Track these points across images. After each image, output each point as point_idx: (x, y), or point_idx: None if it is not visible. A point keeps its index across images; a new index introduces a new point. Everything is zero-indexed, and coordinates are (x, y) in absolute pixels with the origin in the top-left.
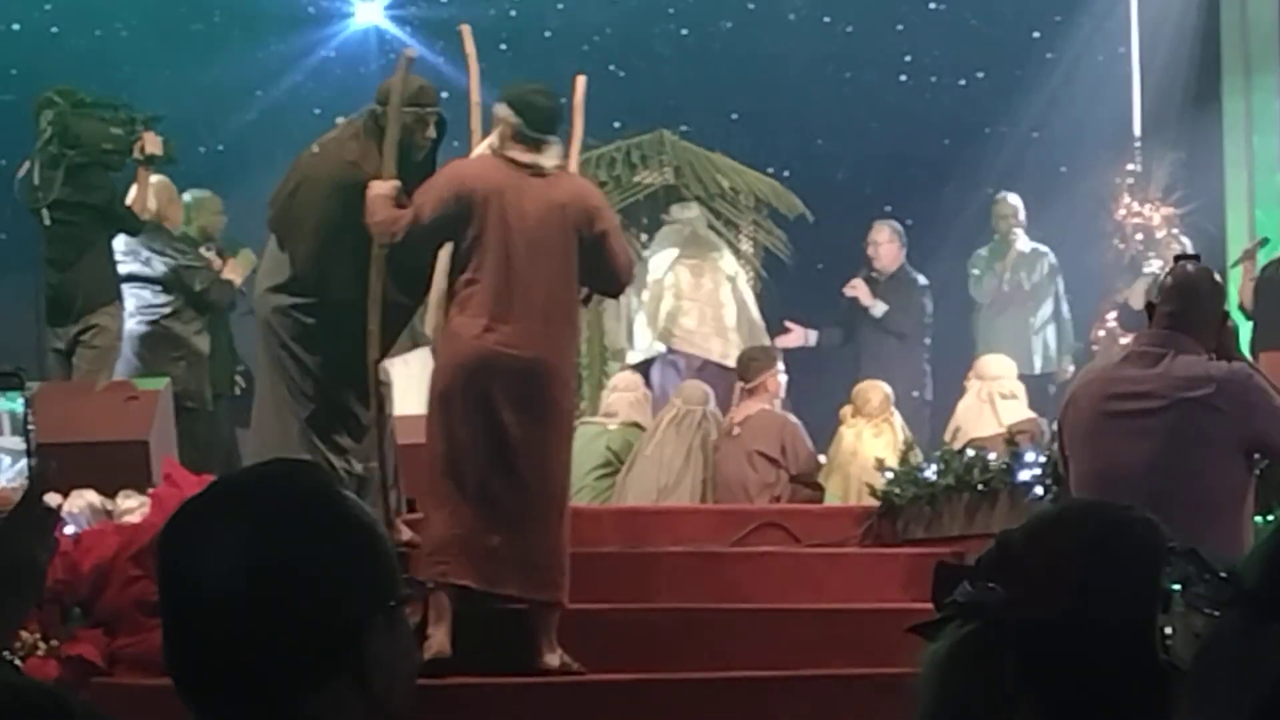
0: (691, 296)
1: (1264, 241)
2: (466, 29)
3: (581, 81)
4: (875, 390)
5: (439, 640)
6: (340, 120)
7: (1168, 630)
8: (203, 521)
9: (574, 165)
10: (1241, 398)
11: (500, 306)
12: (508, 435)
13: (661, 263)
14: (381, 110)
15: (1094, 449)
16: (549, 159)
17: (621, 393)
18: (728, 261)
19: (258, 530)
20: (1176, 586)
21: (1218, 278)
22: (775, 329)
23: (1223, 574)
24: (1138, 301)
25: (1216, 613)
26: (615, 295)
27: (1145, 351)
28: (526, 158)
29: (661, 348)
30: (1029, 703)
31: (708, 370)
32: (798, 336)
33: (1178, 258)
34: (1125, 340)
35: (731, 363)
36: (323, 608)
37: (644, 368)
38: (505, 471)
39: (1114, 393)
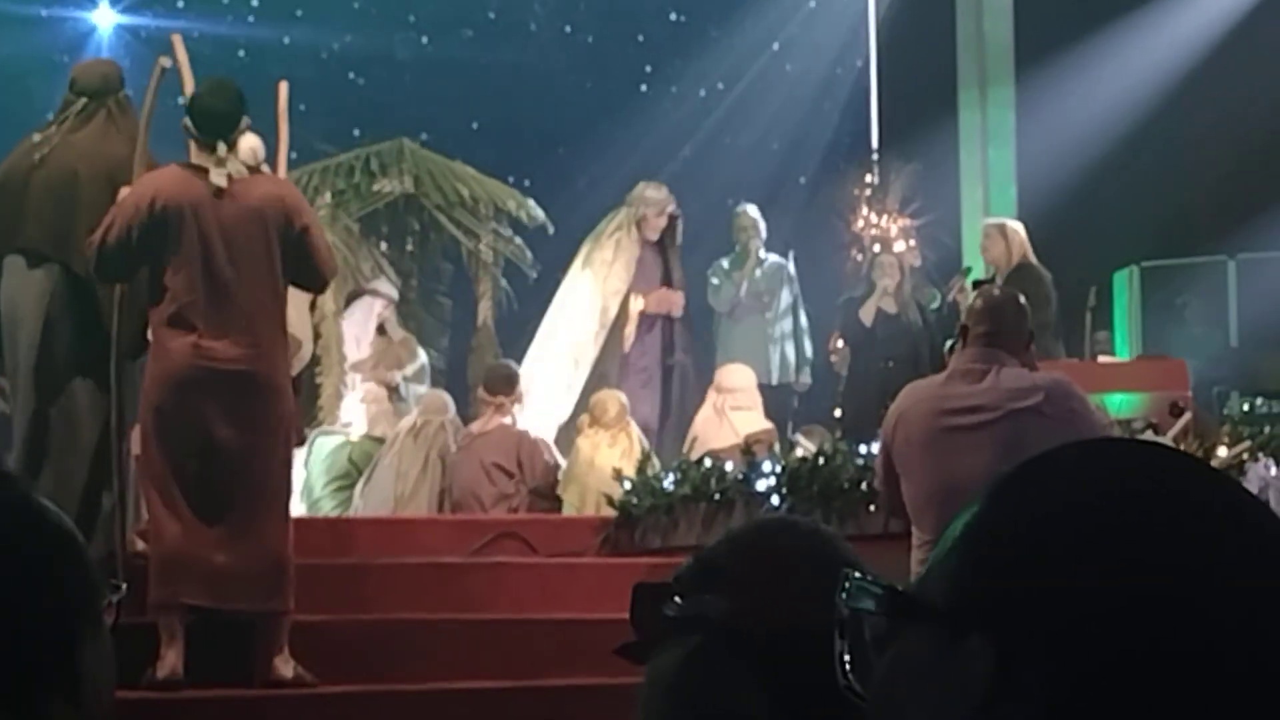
0: None
1: (967, 270)
2: (177, 37)
3: (284, 87)
4: (612, 400)
5: (171, 661)
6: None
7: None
8: None
9: (281, 173)
10: (1065, 404)
11: (207, 319)
12: (224, 449)
13: None
14: (119, 95)
15: (931, 464)
16: (227, 167)
17: (365, 404)
18: None
19: None
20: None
21: (1022, 300)
22: (517, 339)
23: (895, 592)
24: (868, 317)
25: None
26: (320, 291)
27: (970, 369)
28: (211, 166)
29: None
30: (764, 708)
31: None
32: None
33: (979, 282)
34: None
35: None
36: (35, 623)
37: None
38: (223, 485)
39: (947, 408)
